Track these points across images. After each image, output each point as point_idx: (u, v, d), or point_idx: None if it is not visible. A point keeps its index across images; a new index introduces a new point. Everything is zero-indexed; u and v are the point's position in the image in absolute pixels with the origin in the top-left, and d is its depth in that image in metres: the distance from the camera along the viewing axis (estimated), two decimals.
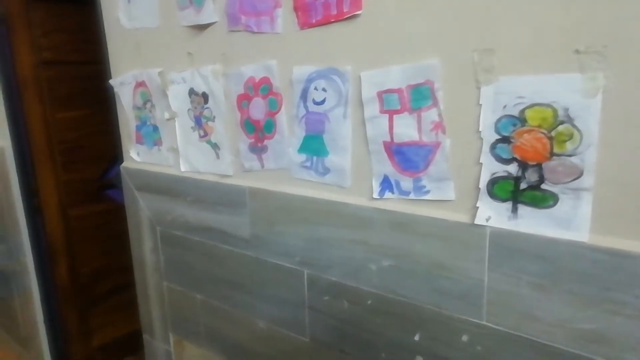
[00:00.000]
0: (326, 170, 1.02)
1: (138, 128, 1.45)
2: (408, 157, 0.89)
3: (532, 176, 0.75)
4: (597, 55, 0.66)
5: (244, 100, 1.13)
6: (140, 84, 1.38)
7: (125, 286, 2.24)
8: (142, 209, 1.50)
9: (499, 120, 0.76)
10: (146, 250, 1.54)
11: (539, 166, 0.74)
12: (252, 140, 1.14)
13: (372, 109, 0.91)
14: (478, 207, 0.81)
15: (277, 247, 1.15)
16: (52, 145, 2.10)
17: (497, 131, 0.77)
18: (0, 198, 2.23)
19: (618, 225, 0.69)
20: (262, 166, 1.14)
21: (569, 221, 0.73)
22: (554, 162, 0.73)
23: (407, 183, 0.91)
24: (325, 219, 1.03)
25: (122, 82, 1.44)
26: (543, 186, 0.74)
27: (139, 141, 1.46)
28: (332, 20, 0.92)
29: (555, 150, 0.72)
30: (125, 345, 2.44)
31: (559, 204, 0.74)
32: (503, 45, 0.74)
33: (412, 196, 0.90)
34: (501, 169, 0.78)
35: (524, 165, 0.76)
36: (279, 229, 1.13)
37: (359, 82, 0.91)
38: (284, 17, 1.00)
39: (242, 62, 1.11)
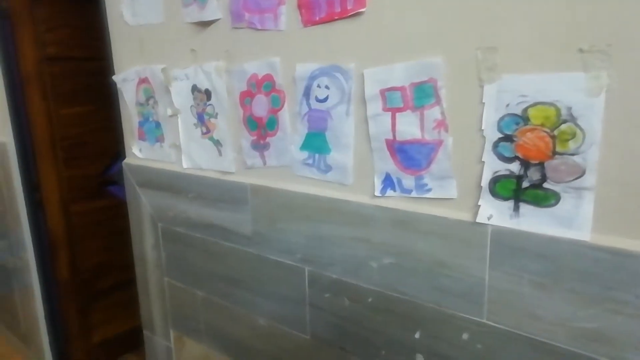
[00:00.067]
0: (328, 168, 1.02)
1: (140, 124, 1.45)
2: (410, 155, 0.89)
3: (534, 175, 0.75)
4: (601, 54, 0.66)
5: (246, 97, 1.13)
6: (143, 80, 1.38)
7: (126, 283, 2.25)
8: (143, 205, 1.50)
9: (501, 118, 0.76)
10: (147, 246, 1.54)
11: (541, 165, 0.74)
12: (255, 137, 1.14)
13: (374, 106, 0.91)
14: (480, 206, 0.82)
15: (278, 244, 1.15)
16: (55, 141, 2.11)
17: (500, 130, 0.77)
18: (2, 194, 2.24)
19: (620, 224, 0.70)
20: (264, 163, 1.14)
21: (571, 220, 0.73)
22: (557, 161, 0.73)
23: (409, 181, 0.91)
24: (327, 216, 1.04)
25: (125, 79, 1.44)
26: (545, 185, 0.74)
27: (142, 137, 1.46)
28: (336, 17, 0.92)
29: (558, 149, 0.72)
30: (126, 341, 2.45)
31: (560, 202, 0.74)
32: (506, 44, 0.74)
33: (414, 194, 0.90)
34: (503, 168, 0.78)
35: (526, 164, 0.76)
36: (280, 226, 1.13)
37: (362, 80, 0.91)
38: (288, 15, 1.00)
39: (245, 59, 1.11)
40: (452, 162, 0.84)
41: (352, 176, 0.99)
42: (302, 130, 1.05)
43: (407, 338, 0.96)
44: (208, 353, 1.45)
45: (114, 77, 1.47)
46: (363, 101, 0.92)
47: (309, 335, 1.15)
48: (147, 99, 1.39)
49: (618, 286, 0.70)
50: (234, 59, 1.13)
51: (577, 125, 0.70)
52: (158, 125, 1.39)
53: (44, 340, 2.29)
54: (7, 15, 1.93)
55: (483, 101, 0.78)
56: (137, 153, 1.49)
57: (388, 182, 0.93)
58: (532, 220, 0.77)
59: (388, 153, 0.92)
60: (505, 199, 0.79)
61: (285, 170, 1.11)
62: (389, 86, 0.88)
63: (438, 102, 0.83)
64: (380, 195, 0.94)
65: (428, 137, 0.86)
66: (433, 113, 0.84)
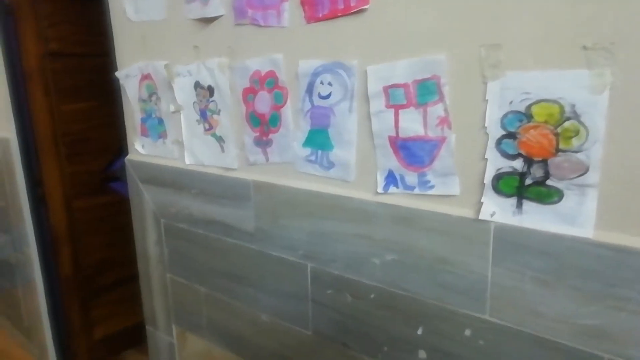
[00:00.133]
0: (331, 165, 1.02)
1: (143, 120, 1.45)
2: (413, 152, 0.89)
3: (537, 172, 0.75)
4: (605, 52, 0.66)
5: (249, 94, 1.13)
6: (146, 77, 1.38)
7: (128, 279, 2.26)
8: (146, 202, 1.50)
9: (505, 115, 0.76)
10: (150, 242, 1.55)
11: (544, 162, 0.74)
12: (257, 133, 1.15)
13: (377, 103, 0.91)
14: (483, 203, 0.82)
15: (281, 240, 1.15)
16: (57, 137, 2.11)
17: (503, 127, 0.77)
18: (5, 189, 2.24)
19: (623, 221, 0.70)
20: (267, 160, 1.14)
21: (574, 217, 0.73)
22: (560, 158, 0.73)
23: (411, 178, 0.91)
24: (329, 213, 1.04)
25: (128, 75, 1.44)
26: (548, 182, 0.74)
27: (144, 134, 1.47)
28: (339, 14, 0.92)
29: (561, 146, 0.72)
30: (128, 337, 2.46)
31: (564, 199, 0.74)
32: (510, 41, 0.74)
33: (416, 191, 0.91)
34: (506, 165, 0.78)
35: (529, 161, 0.76)
36: (283, 223, 1.13)
37: (365, 77, 0.91)
38: (291, 11, 1.00)
39: (248, 56, 1.11)
40: (455, 159, 0.84)
41: (355, 173, 0.99)
42: (305, 126, 1.05)
43: (409, 334, 0.97)
44: (210, 348, 1.46)
45: (117, 73, 1.47)
46: (366, 98, 0.92)
47: (311, 332, 1.16)
48: (150, 95, 1.40)
49: (621, 283, 0.70)
50: (236, 56, 1.13)
51: (580, 122, 0.70)
52: (161, 121, 1.39)
53: (47, 335, 2.30)
54: (10, 10, 1.93)
55: (486, 98, 0.78)
56: (140, 149, 1.49)
57: (391, 178, 0.93)
58: (535, 218, 0.77)
59: (391, 150, 0.92)
60: (508, 196, 0.79)
61: (287, 166, 1.11)
62: (392, 83, 0.88)
63: (441, 99, 0.83)
64: (382, 192, 0.95)
65: (431, 134, 0.86)
66: (436, 110, 0.84)
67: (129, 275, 2.18)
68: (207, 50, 1.19)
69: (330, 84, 0.97)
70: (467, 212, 0.84)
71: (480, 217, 0.82)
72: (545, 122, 0.73)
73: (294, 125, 1.07)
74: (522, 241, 0.78)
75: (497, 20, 0.75)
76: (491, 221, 0.81)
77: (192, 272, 1.43)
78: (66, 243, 2.21)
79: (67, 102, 2.11)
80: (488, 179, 0.80)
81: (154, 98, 1.39)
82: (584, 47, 0.68)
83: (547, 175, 0.74)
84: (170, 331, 1.59)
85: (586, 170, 0.71)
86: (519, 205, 0.78)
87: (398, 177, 0.92)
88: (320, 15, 0.95)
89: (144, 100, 1.43)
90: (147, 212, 1.52)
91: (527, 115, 0.74)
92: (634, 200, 0.68)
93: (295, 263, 1.13)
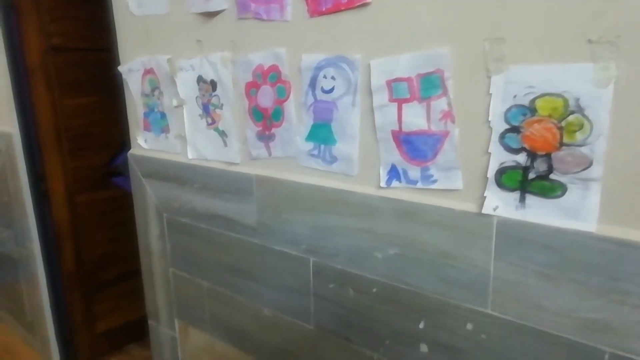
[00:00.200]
0: (333, 159, 1.02)
1: (146, 115, 1.46)
2: (416, 146, 0.89)
3: (540, 166, 0.75)
4: (610, 45, 0.66)
5: (252, 88, 1.13)
6: (149, 71, 1.38)
7: (131, 273, 2.27)
8: (149, 196, 1.51)
9: (508, 109, 0.76)
10: (153, 237, 1.55)
11: (548, 156, 0.74)
12: (260, 128, 1.14)
13: (381, 97, 0.91)
14: (486, 197, 0.82)
15: (283, 235, 1.15)
16: (60, 132, 2.11)
17: (507, 121, 0.77)
18: (8, 184, 2.25)
19: (626, 215, 0.70)
20: (270, 154, 1.14)
21: (577, 211, 0.73)
22: (563, 152, 0.73)
23: (414, 172, 0.91)
24: (332, 207, 1.04)
25: (131, 69, 1.44)
26: (552, 176, 0.74)
27: (147, 128, 1.47)
28: (342, 8, 0.92)
29: (565, 140, 0.72)
30: (130, 331, 2.47)
31: (567, 194, 0.74)
32: (514, 34, 0.74)
33: (419, 185, 0.91)
34: (510, 159, 0.78)
35: (533, 155, 0.76)
36: (285, 217, 1.14)
37: (368, 71, 0.91)
38: (294, 5, 1.00)
39: (250, 50, 1.11)
40: (458, 153, 0.84)
41: (358, 167, 0.99)
42: (308, 121, 1.05)
43: (411, 328, 0.97)
44: (213, 343, 1.46)
45: (120, 68, 1.47)
46: (369, 92, 0.92)
47: (313, 326, 1.16)
48: (153, 90, 1.40)
49: (624, 277, 0.70)
50: (239, 50, 1.13)
51: (584, 116, 0.70)
52: (163, 116, 1.39)
53: (49, 330, 2.31)
54: (13, 5, 1.93)
55: (490, 92, 0.77)
56: (143, 144, 1.50)
57: (393, 173, 0.93)
58: (538, 212, 0.77)
59: (394, 144, 0.92)
60: (512, 190, 0.79)
61: (290, 161, 1.11)
62: (395, 77, 0.88)
63: (445, 93, 0.83)
64: (385, 186, 0.95)
65: (434, 128, 0.86)
66: (439, 104, 0.84)
67: (131, 269, 2.19)
68: (209, 45, 1.19)
69: (333, 78, 0.97)
70: (470, 207, 0.84)
71: (483, 211, 0.82)
72: (549, 116, 0.73)
73: (297, 120, 1.07)
74: (525, 235, 0.78)
75: (501, 13, 0.74)
76: (494, 215, 0.81)
77: (194, 266, 1.44)
78: (69, 238, 2.22)
79: (69, 96, 2.11)
80: (491, 173, 0.80)
81: (156, 92, 1.39)
82: (589, 41, 0.67)
83: (550, 169, 0.74)
84: (172, 325, 1.60)
85: (590, 164, 0.71)
86: (522, 199, 0.78)
87: (401, 172, 0.92)
88: (324, 9, 0.95)
89: (146, 95, 1.43)
90: (150, 207, 1.52)
91: (531, 109, 0.74)
92: (637, 194, 0.68)
93: (298, 257, 1.14)
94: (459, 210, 0.85)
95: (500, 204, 0.80)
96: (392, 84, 0.88)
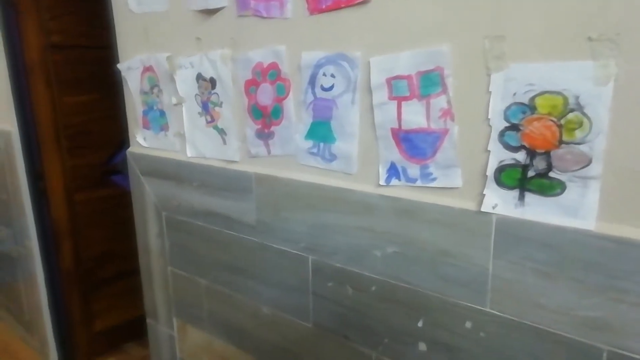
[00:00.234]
0: (333, 157, 1.02)
1: (145, 113, 1.45)
2: (415, 144, 0.89)
3: (540, 164, 0.75)
4: (610, 43, 0.66)
5: (251, 86, 1.13)
6: (148, 69, 1.38)
7: (129, 272, 2.26)
8: (147, 194, 1.51)
9: (508, 107, 0.76)
10: (151, 235, 1.55)
11: (547, 154, 0.74)
12: (259, 126, 1.14)
13: (380, 95, 0.91)
14: (485, 195, 0.82)
15: (282, 233, 1.15)
16: (59, 130, 2.11)
17: (506, 119, 0.77)
18: (6, 182, 2.24)
19: (625, 213, 0.70)
20: (269, 152, 1.14)
21: (576, 209, 0.73)
22: (563, 150, 0.72)
23: (414, 170, 0.91)
24: (331, 205, 1.04)
25: (130, 67, 1.44)
26: (551, 174, 0.74)
27: (146, 126, 1.47)
28: (342, 5, 0.92)
29: (564, 138, 0.72)
30: (129, 330, 2.46)
31: (566, 192, 0.74)
32: (514, 32, 0.74)
33: (418, 183, 0.90)
34: (509, 157, 0.78)
35: (532, 153, 0.76)
36: (284, 215, 1.13)
37: (368, 68, 0.91)
38: (294, 2, 1.00)
39: (250, 47, 1.10)
40: (457, 151, 0.84)
41: (357, 165, 0.99)
42: (307, 119, 1.05)
43: (410, 327, 0.97)
44: (211, 341, 1.46)
45: (119, 66, 1.47)
46: (369, 90, 0.92)
47: (312, 324, 1.16)
48: (152, 88, 1.39)
49: (622, 275, 0.70)
50: (239, 47, 1.13)
51: (584, 114, 0.70)
52: (162, 113, 1.39)
53: (48, 328, 2.31)
54: (12, 3, 1.93)
55: (490, 90, 0.77)
56: (142, 142, 1.49)
57: (393, 171, 0.93)
58: (537, 210, 0.77)
59: (393, 142, 0.92)
60: (511, 188, 0.79)
61: (289, 159, 1.11)
62: (395, 75, 0.88)
63: (444, 91, 0.83)
64: (384, 184, 0.94)
65: (434, 126, 0.86)
66: (439, 102, 0.84)
67: (130, 268, 2.18)
68: (209, 42, 1.19)
69: (333, 75, 0.97)
70: (469, 205, 0.84)
71: (482, 209, 0.82)
72: (549, 113, 0.73)
73: (296, 118, 1.07)
74: (524, 233, 0.78)
75: (501, 11, 0.74)
76: (493, 213, 0.81)
77: (193, 264, 1.44)
78: (67, 236, 2.22)
79: (68, 94, 2.11)
80: (490, 171, 0.80)
81: (155, 90, 1.38)
82: (589, 38, 0.67)
83: (549, 167, 0.74)
84: (171, 324, 1.59)
85: (589, 162, 0.71)
86: (521, 197, 0.78)
87: (400, 170, 0.92)
88: (324, 6, 0.95)
89: (145, 93, 1.42)
90: (149, 205, 1.52)
91: (531, 107, 0.74)
92: (636, 192, 0.68)
93: (297, 255, 1.13)
94: (458, 209, 0.85)
95: (500, 202, 0.80)
96: (391, 82, 0.88)
